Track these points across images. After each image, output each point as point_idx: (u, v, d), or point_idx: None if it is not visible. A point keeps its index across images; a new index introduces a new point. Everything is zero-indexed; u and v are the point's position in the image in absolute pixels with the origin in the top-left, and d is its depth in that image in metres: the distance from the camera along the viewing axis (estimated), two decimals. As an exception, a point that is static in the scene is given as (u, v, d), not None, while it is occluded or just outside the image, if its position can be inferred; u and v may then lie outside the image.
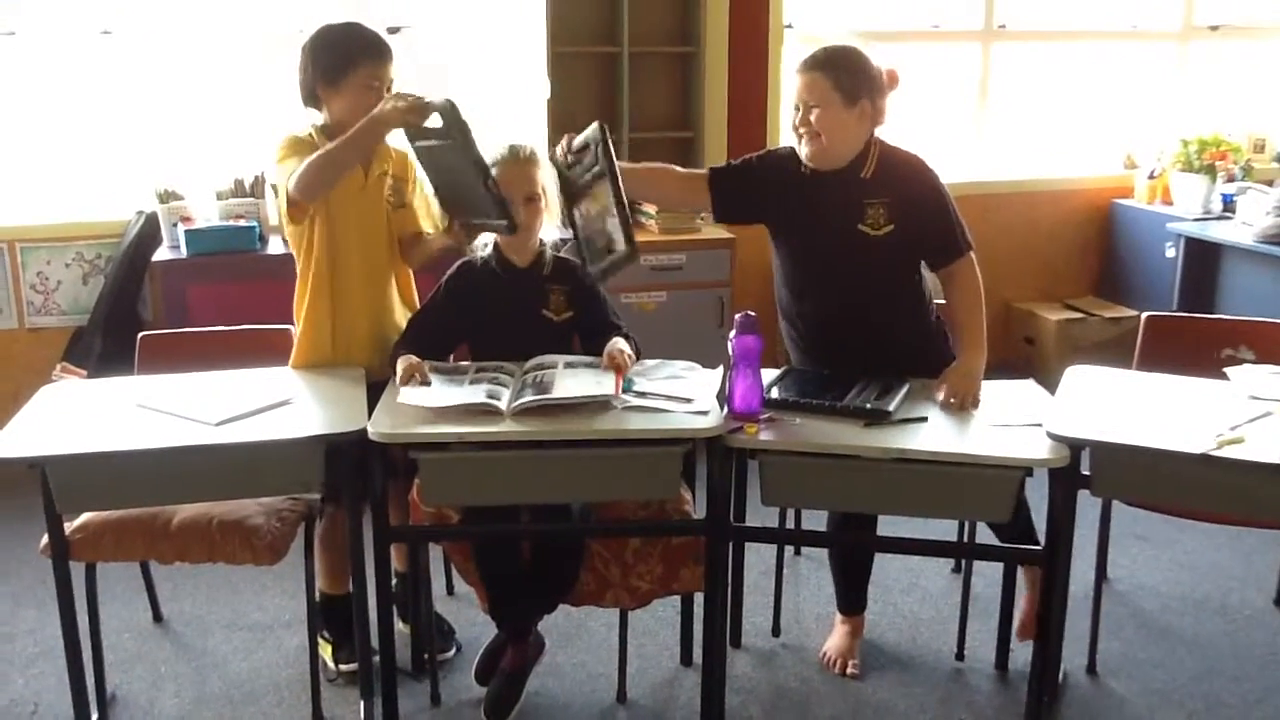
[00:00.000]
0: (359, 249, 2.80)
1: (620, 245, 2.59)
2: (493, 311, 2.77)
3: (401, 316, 2.89)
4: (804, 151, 2.71)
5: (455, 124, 2.54)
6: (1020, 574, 2.93)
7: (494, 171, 2.66)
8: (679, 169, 2.98)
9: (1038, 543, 2.72)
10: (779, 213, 2.81)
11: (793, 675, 2.99)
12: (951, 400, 2.62)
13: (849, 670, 2.96)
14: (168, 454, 2.41)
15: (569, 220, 2.74)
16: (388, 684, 2.67)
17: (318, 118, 2.77)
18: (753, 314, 2.53)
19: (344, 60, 2.68)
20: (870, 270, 2.75)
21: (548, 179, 2.73)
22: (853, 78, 2.66)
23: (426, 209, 2.93)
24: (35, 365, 4.13)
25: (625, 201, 2.58)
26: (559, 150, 2.70)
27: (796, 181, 2.76)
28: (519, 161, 2.70)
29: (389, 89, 2.70)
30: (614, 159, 2.59)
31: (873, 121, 2.71)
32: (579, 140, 2.67)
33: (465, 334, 2.83)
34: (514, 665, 2.75)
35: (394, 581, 2.86)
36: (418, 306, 2.91)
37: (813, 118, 2.66)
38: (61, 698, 2.71)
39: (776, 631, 3.16)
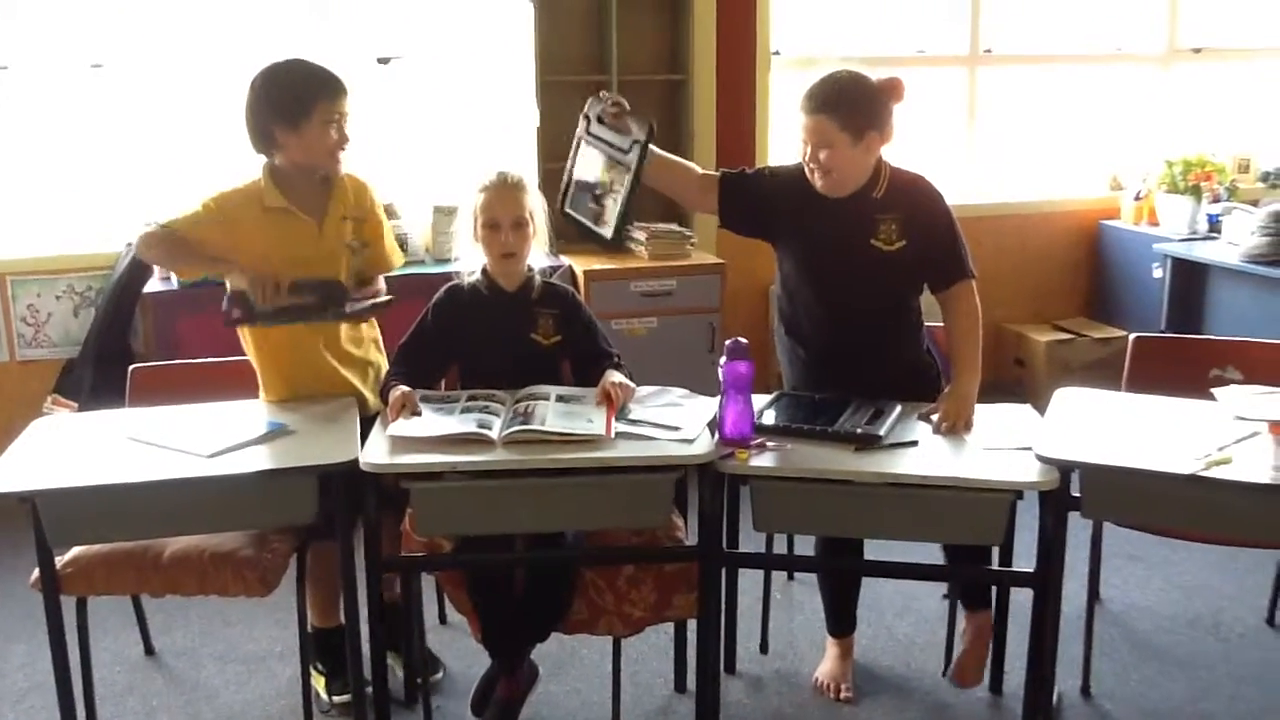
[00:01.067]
0: None
1: (607, 227, 2.68)
2: (481, 335, 2.78)
3: (361, 349, 2.88)
4: (817, 183, 2.74)
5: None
6: (962, 618, 2.95)
7: (483, 196, 2.71)
8: (698, 169, 2.99)
9: (989, 563, 2.79)
10: (790, 228, 2.82)
11: (787, 701, 2.99)
12: (945, 424, 2.63)
13: (843, 695, 2.96)
14: (159, 487, 2.41)
15: (571, 157, 2.78)
16: (381, 715, 2.66)
17: (264, 157, 2.72)
18: (743, 340, 2.54)
19: (302, 101, 2.63)
20: (879, 286, 2.76)
21: (536, 205, 2.76)
22: (857, 115, 2.66)
23: (387, 243, 2.92)
24: (26, 398, 4.13)
25: (633, 200, 2.65)
26: (602, 96, 2.73)
27: (809, 198, 2.77)
28: (508, 186, 2.73)
29: (347, 122, 2.68)
30: (644, 162, 2.66)
31: (880, 144, 2.73)
32: (626, 113, 2.71)
33: (454, 357, 2.83)
34: (508, 695, 2.74)
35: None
36: (378, 338, 2.92)
37: (822, 156, 2.68)
38: (53, 732, 2.69)
39: (765, 652, 3.16)
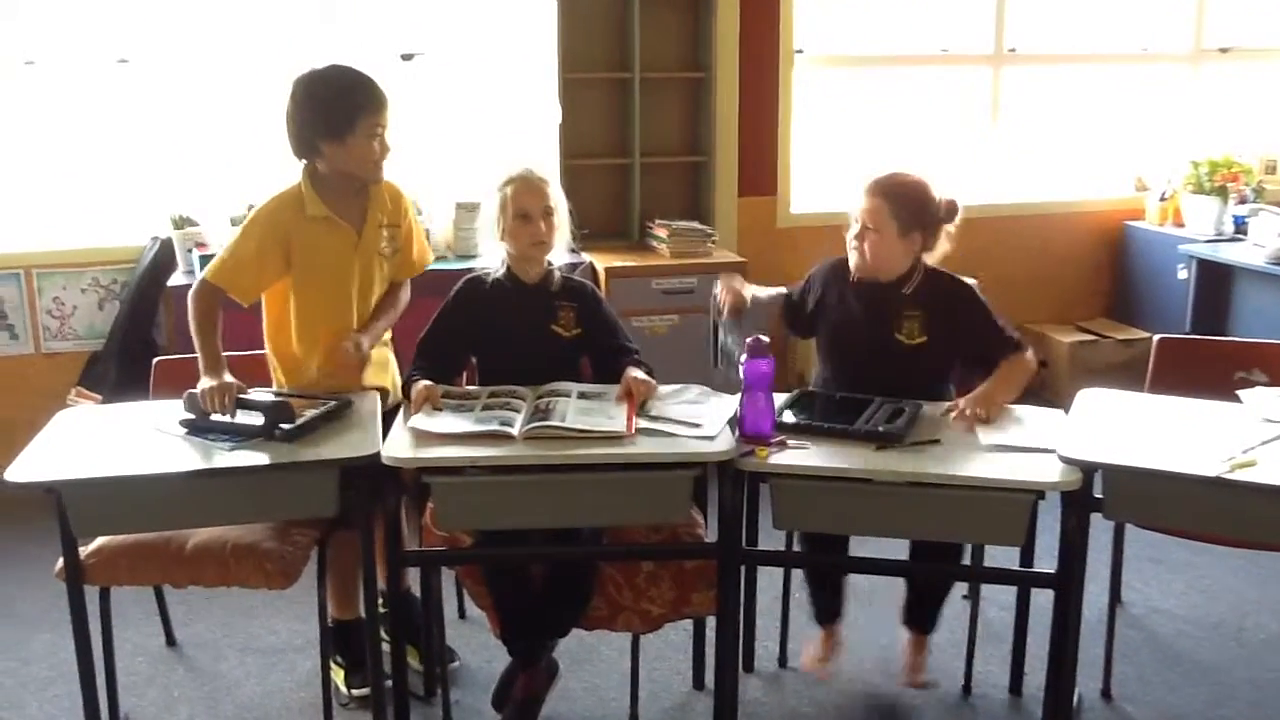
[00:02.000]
0: (356, 303, 2.81)
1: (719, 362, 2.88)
2: (502, 326, 2.79)
3: (382, 344, 2.92)
4: (852, 261, 2.88)
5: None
6: (904, 632, 2.97)
7: (511, 188, 2.74)
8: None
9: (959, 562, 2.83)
10: (823, 314, 2.97)
11: (805, 699, 2.98)
12: (963, 409, 2.64)
13: (820, 674, 2.96)
14: (183, 478, 2.43)
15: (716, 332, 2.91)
16: (400, 708, 2.68)
17: (305, 163, 2.74)
18: (765, 338, 2.54)
19: (348, 112, 2.64)
20: (899, 378, 2.83)
21: (559, 199, 2.79)
22: (911, 212, 2.80)
23: (417, 248, 2.95)
24: (51, 390, 4.16)
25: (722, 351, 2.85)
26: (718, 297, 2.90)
27: (841, 287, 2.94)
28: (536, 178, 2.77)
29: (387, 134, 2.71)
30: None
31: (922, 248, 2.87)
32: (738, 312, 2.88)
33: (475, 349, 2.85)
34: (527, 692, 2.75)
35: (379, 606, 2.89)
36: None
37: (868, 239, 2.82)
38: (75, 721, 2.72)
39: (783, 655, 3.15)
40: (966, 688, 3.02)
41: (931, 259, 2.90)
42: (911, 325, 2.83)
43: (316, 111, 2.65)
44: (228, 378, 2.60)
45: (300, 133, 2.69)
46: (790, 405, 2.73)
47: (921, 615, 2.97)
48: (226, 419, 2.55)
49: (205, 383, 2.59)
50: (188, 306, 2.72)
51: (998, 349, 2.86)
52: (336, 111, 2.64)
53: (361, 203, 2.78)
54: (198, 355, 2.65)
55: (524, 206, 2.73)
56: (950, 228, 2.87)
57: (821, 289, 2.99)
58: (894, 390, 2.77)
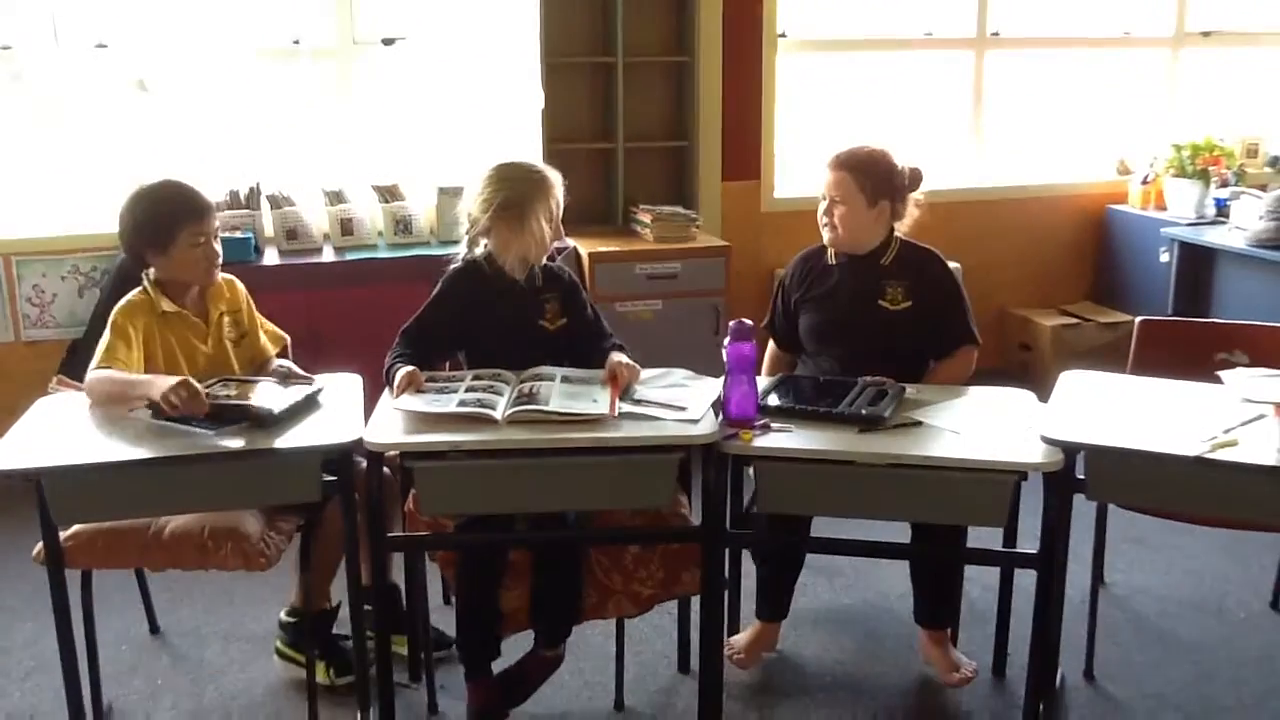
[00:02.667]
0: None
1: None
2: (489, 322, 2.77)
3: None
4: (825, 237, 2.96)
5: None
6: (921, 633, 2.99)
7: (508, 190, 2.72)
8: (768, 352, 3.14)
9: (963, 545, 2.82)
10: (804, 301, 3.02)
11: (790, 682, 2.99)
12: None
13: (735, 658, 2.96)
14: (164, 464, 2.42)
15: None
16: (385, 694, 2.67)
17: (151, 270, 2.80)
18: (748, 321, 2.54)
19: (167, 227, 2.73)
20: (888, 345, 2.88)
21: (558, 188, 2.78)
22: (877, 181, 2.89)
23: (265, 331, 2.99)
24: (31, 378, 4.10)
25: None
26: None
27: (818, 271, 3.01)
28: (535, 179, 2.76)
29: (215, 238, 2.79)
30: None
31: (893, 218, 2.94)
32: None
33: (460, 341, 2.83)
34: (477, 703, 2.72)
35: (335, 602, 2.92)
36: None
37: (837, 212, 2.90)
38: (58, 710, 2.70)
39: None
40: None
41: (902, 228, 2.97)
42: (895, 292, 2.90)
43: (140, 225, 2.77)
44: (173, 379, 2.56)
45: (128, 246, 2.81)
46: (773, 389, 2.73)
47: (931, 609, 2.98)
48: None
49: (159, 394, 2.55)
50: (90, 394, 2.69)
51: (958, 335, 2.94)
52: (157, 225, 2.75)
53: (203, 297, 2.85)
54: (136, 400, 2.61)
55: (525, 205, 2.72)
56: (917, 195, 2.95)
57: (797, 283, 3.03)
58: (880, 359, 2.78)
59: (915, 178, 2.95)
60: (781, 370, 3.03)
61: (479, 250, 2.80)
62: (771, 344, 3.12)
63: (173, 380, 2.53)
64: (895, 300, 2.89)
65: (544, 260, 2.84)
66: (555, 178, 2.77)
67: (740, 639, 3.04)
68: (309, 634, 2.82)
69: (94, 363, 2.71)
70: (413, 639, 2.95)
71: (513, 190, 2.72)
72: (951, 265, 3.02)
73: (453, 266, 2.83)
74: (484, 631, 2.73)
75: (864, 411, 2.56)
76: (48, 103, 4.35)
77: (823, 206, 2.94)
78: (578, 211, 4.65)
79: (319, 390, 2.68)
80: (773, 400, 2.65)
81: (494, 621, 2.74)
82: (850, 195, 2.88)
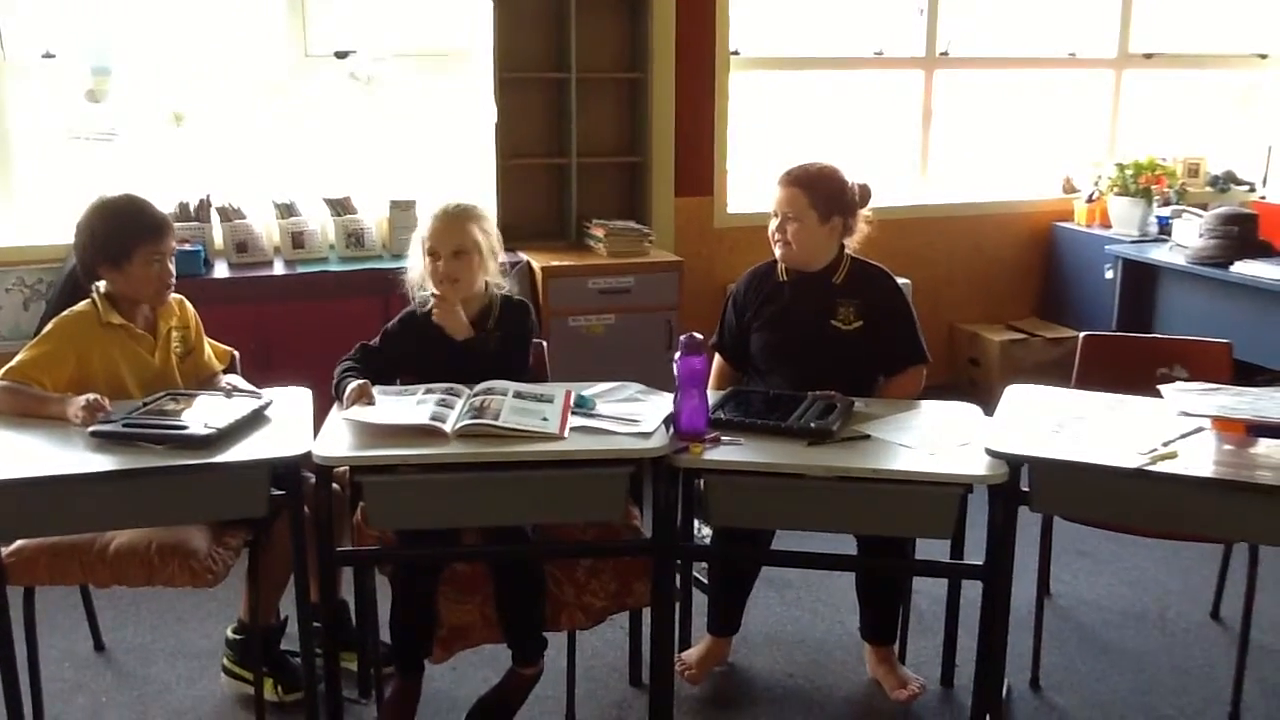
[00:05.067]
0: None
1: None
2: (437, 372, 2.76)
3: None
4: (777, 253, 2.98)
5: None
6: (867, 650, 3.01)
7: (427, 228, 2.77)
8: (715, 366, 3.12)
9: (910, 558, 2.82)
10: (757, 318, 3.03)
11: (741, 695, 3.01)
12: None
13: (687, 675, 2.97)
14: (108, 479, 2.39)
15: None
16: (334, 710, 2.65)
17: (101, 283, 2.79)
18: (699, 335, 2.56)
19: (124, 243, 2.73)
20: (839, 364, 2.90)
21: (481, 233, 2.79)
22: (828, 198, 2.93)
23: (209, 350, 2.98)
24: (-26, 392, 4.05)
25: None
26: None
27: (770, 288, 3.03)
28: (445, 217, 2.78)
29: (171, 258, 2.80)
30: None
31: (844, 234, 2.97)
32: None
33: (410, 376, 2.83)
34: (397, 703, 2.73)
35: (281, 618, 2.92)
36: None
37: (789, 229, 2.92)
38: (-1, 729, 2.66)
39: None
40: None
41: (851, 245, 3.00)
42: (847, 311, 2.93)
43: (97, 239, 2.76)
44: (80, 397, 2.56)
45: (83, 258, 2.79)
46: (724, 403, 2.75)
47: (876, 625, 3.01)
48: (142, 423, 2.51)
49: (70, 412, 2.55)
50: None
51: (908, 354, 2.97)
52: (115, 240, 2.74)
53: (152, 312, 2.84)
54: (42, 418, 2.59)
55: (434, 245, 2.76)
56: (867, 212, 2.99)
57: (748, 301, 3.05)
58: (833, 378, 2.81)
59: (864, 194, 2.99)
60: (728, 385, 3.05)
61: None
62: (719, 359, 3.14)
63: (81, 400, 2.53)
64: (848, 320, 2.92)
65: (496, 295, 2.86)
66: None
67: (691, 653, 3.04)
68: (257, 650, 2.79)
69: (8, 369, 2.68)
70: (362, 654, 2.93)
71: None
72: (901, 282, 3.06)
73: (407, 309, 2.86)
74: (417, 632, 2.72)
75: (813, 425, 2.59)
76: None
77: (774, 224, 2.97)
78: (531, 226, 4.68)
79: (266, 404, 2.67)
80: (723, 414, 2.66)
81: (429, 619, 2.72)
82: (802, 211, 2.91)
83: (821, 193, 2.92)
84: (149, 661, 3.13)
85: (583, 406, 2.64)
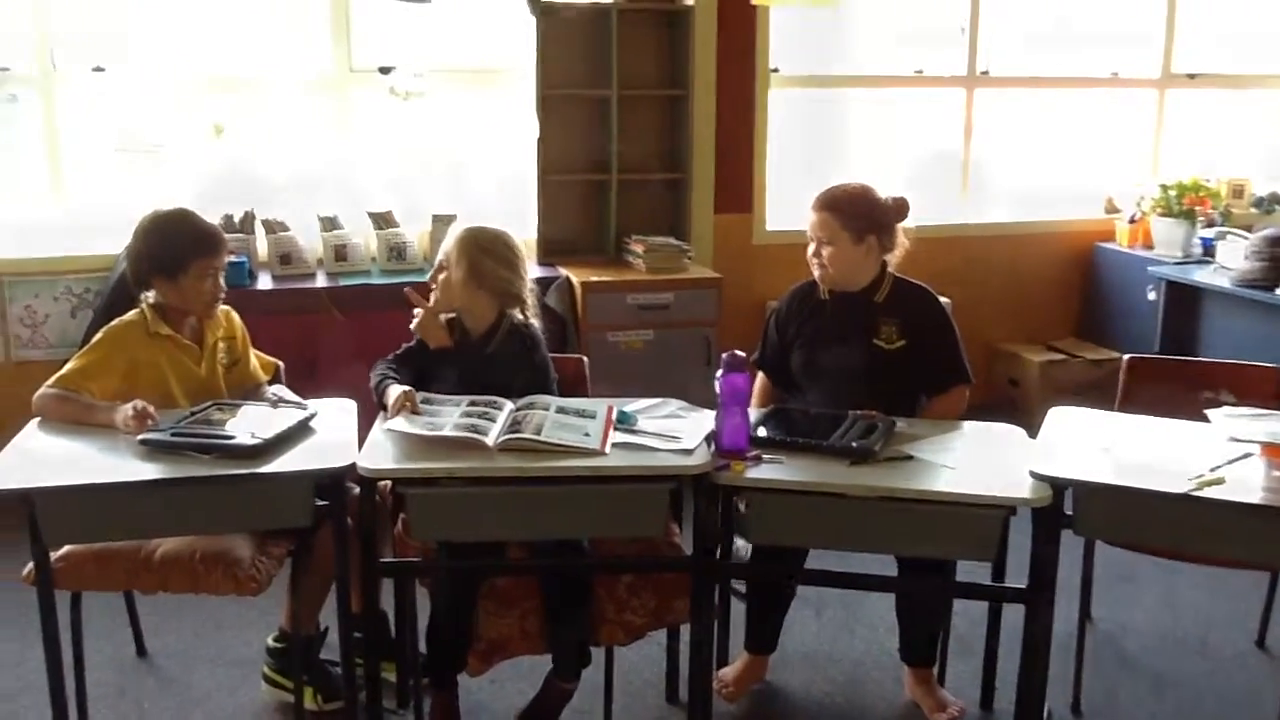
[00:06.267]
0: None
1: None
2: (447, 377, 2.82)
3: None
4: (816, 275, 2.98)
5: None
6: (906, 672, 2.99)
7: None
8: (757, 384, 3.11)
9: (952, 579, 2.81)
10: (797, 336, 3.02)
11: (778, 713, 2.99)
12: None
13: (724, 692, 2.97)
14: (156, 487, 2.42)
15: None
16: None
17: (151, 294, 2.84)
18: (740, 353, 2.57)
19: (179, 256, 2.77)
20: (881, 384, 2.88)
21: (466, 257, 2.80)
22: (860, 219, 2.91)
23: (254, 360, 3.03)
24: (23, 399, 4.10)
25: None
26: None
27: (812, 307, 3.02)
28: (451, 234, 2.87)
29: (222, 273, 2.84)
30: None
31: (882, 252, 2.96)
32: None
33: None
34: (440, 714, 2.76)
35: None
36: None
37: (825, 252, 2.92)
38: (44, 732, 2.69)
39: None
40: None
41: (894, 261, 2.98)
42: (889, 330, 2.91)
43: (153, 251, 2.80)
44: (128, 405, 2.60)
45: (136, 269, 2.83)
46: (765, 421, 2.75)
47: (916, 647, 2.99)
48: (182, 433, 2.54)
49: (119, 420, 2.59)
50: (42, 410, 2.72)
51: (952, 374, 2.95)
52: (170, 253, 2.78)
53: (198, 323, 2.88)
54: (91, 426, 2.64)
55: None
56: (906, 225, 2.97)
57: (789, 318, 3.04)
58: (874, 397, 2.80)
59: (901, 208, 2.96)
60: (770, 402, 3.04)
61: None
62: (760, 376, 3.13)
63: (129, 408, 2.57)
64: (890, 339, 2.90)
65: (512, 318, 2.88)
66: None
67: (729, 671, 3.04)
68: (297, 659, 2.81)
69: (59, 377, 2.72)
70: (401, 665, 2.95)
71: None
72: (943, 301, 3.05)
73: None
74: (453, 646, 2.74)
75: (855, 444, 2.58)
76: (43, 124, 4.36)
77: (811, 248, 2.97)
78: (571, 242, 4.71)
79: (312, 415, 2.69)
80: (764, 432, 2.67)
81: (465, 632, 2.73)
82: (835, 235, 2.90)
83: (852, 214, 2.90)
84: (190, 668, 3.16)
85: (624, 422, 2.65)
